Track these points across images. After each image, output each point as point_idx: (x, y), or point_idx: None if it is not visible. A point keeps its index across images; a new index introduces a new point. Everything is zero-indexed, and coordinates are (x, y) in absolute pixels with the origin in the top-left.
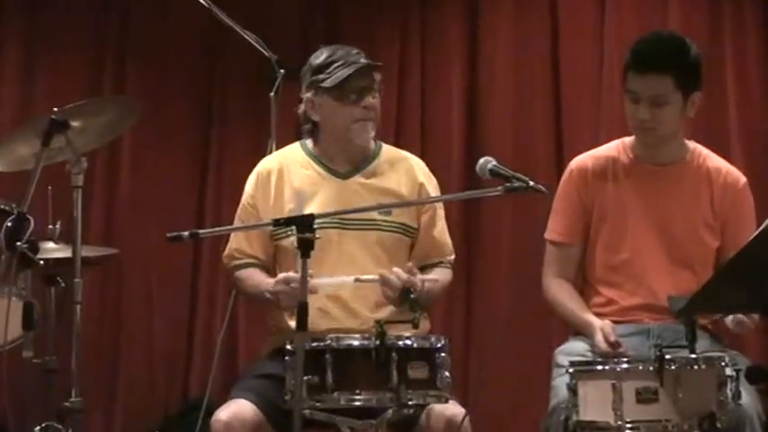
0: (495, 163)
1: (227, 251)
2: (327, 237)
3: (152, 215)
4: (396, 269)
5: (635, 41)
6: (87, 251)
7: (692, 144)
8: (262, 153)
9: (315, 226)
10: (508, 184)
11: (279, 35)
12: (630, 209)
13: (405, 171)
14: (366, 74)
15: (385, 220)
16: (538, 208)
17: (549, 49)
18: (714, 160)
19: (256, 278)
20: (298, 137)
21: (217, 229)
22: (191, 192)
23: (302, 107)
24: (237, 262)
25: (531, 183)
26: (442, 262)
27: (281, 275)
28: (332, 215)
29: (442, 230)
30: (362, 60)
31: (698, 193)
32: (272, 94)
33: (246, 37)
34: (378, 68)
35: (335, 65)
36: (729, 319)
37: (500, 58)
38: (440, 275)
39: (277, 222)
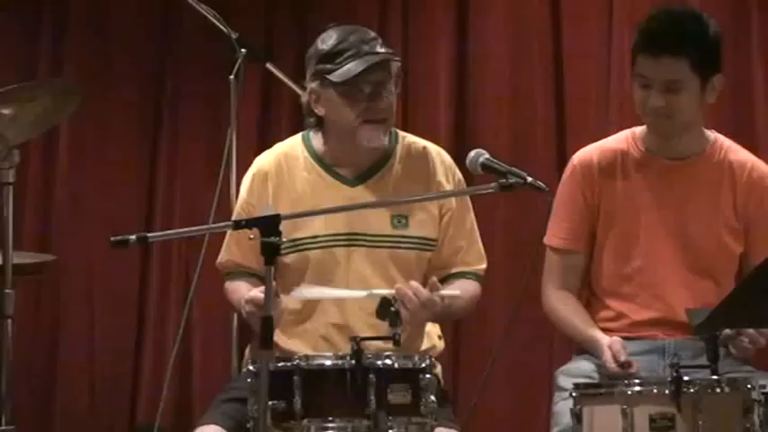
0: (487, 156)
1: (220, 259)
2: (333, 256)
3: (94, 216)
4: (413, 283)
5: (644, 19)
6: (19, 258)
7: (712, 134)
8: (220, 144)
9: (318, 244)
10: (503, 181)
11: (239, 9)
12: (642, 209)
13: (422, 171)
14: (381, 67)
15: (402, 236)
16: (536, 208)
17: (550, 26)
18: (738, 153)
19: (240, 291)
20: (261, 126)
21: (169, 232)
22: (139, 189)
23: (305, 98)
24: (229, 270)
25: (529, 179)
26: (466, 273)
27: (249, 294)
28: (298, 216)
29: (467, 233)
30: (379, 50)
31: (719, 190)
32: (231, 77)
33: (202, 11)
34: (396, 60)
35: (346, 54)
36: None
37: (493, 36)
38: (462, 289)
39: (238, 224)
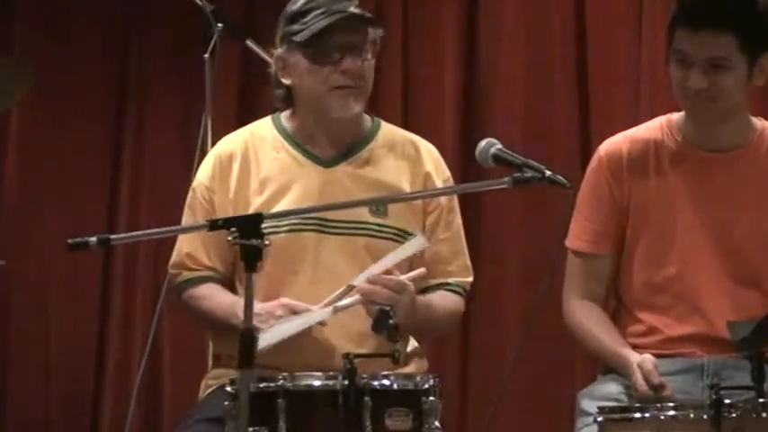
0: (500, 146)
1: (175, 258)
2: (301, 241)
3: (49, 215)
4: (370, 277)
5: None
6: None
7: (759, 123)
8: (193, 132)
9: (283, 227)
10: (517, 175)
11: None
12: (679, 208)
13: (408, 158)
14: (353, 27)
15: (378, 224)
16: (557, 206)
17: None
18: None
19: (212, 297)
20: (240, 111)
21: (133, 233)
22: (100, 185)
23: (273, 67)
24: (191, 275)
25: (548, 173)
26: (448, 284)
27: (283, 300)
28: (284, 215)
29: (453, 238)
30: (352, 10)
31: (767, 187)
32: (206, 55)
33: None
34: (371, 22)
35: (314, 13)
36: None
37: (507, 8)
38: (440, 301)
39: (214, 225)
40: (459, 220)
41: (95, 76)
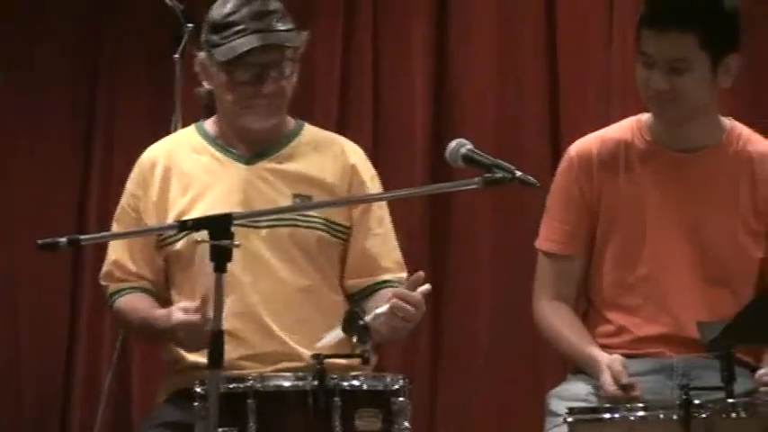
0: (470, 147)
1: (104, 268)
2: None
3: (17, 215)
4: (396, 291)
5: None
6: None
7: (729, 123)
8: (164, 132)
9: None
10: (488, 175)
11: None
12: (649, 209)
13: (332, 154)
14: (273, 47)
15: (302, 214)
16: (527, 207)
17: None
18: (758, 144)
19: (143, 310)
20: (211, 112)
21: (103, 234)
22: (69, 185)
23: (196, 65)
24: (117, 286)
25: (518, 173)
26: (389, 282)
27: (180, 306)
28: (253, 216)
29: (385, 236)
30: (275, 26)
31: (737, 186)
32: (176, 55)
33: None
34: (292, 40)
35: (235, 29)
36: (762, 373)
37: (478, 10)
38: None
39: (183, 225)
40: (388, 216)
41: (66, 77)
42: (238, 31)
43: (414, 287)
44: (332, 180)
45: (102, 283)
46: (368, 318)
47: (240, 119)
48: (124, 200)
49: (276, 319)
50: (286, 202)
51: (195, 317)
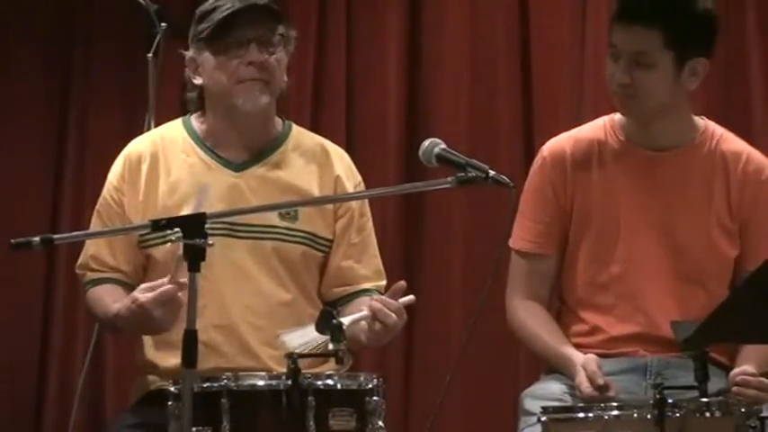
0: (443, 146)
1: (81, 259)
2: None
3: None
4: (377, 297)
5: None
6: None
7: (702, 122)
8: (137, 132)
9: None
10: (461, 175)
11: None
12: (622, 207)
13: (317, 162)
14: (257, 19)
15: (288, 228)
16: (501, 206)
17: None
18: (732, 142)
19: (107, 298)
20: (184, 112)
21: (77, 233)
22: (43, 185)
23: (186, 70)
24: (93, 276)
25: (492, 172)
26: (366, 291)
27: (142, 287)
28: (226, 215)
29: (364, 245)
30: (255, 4)
31: (710, 185)
32: (149, 55)
33: None
34: (276, 15)
35: (220, 9)
36: (736, 372)
37: (451, 10)
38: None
39: (156, 225)
40: (370, 225)
41: (39, 76)
42: (223, 9)
43: (395, 296)
44: (316, 191)
45: (78, 271)
46: (344, 320)
47: (232, 98)
48: (107, 192)
49: (255, 334)
50: (272, 213)
51: (168, 287)
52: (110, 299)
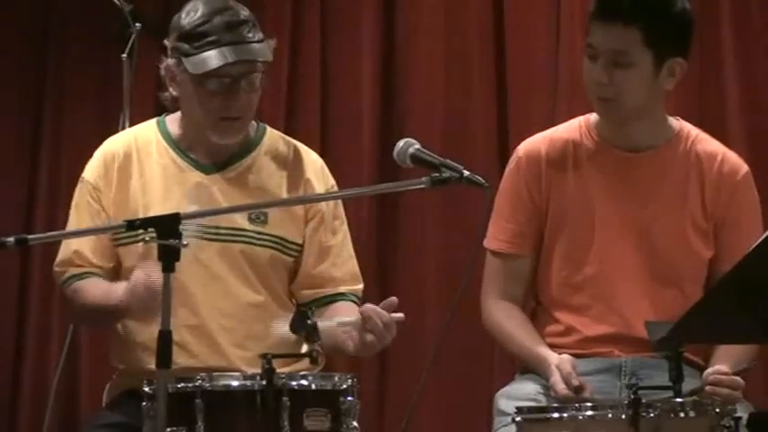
0: (418, 146)
1: (61, 256)
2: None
3: None
4: (371, 306)
5: None
6: None
7: (677, 123)
8: (112, 132)
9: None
10: (435, 175)
11: None
12: (597, 208)
13: (289, 166)
14: (246, 63)
15: (257, 232)
16: (475, 207)
17: None
18: (707, 143)
19: (103, 286)
20: (159, 112)
21: (51, 233)
22: (17, 185)
23: (162, 70)
24: (76, 270)
25: (466, 173)
26: (341, 295)
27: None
28: (200, 216)
29: (338, 245)
30: (246, 37)
31: (685, 186)
32: (124, 55)
33: None
34: (263, 52)
35: (206, 39)
36: (709, 372)
37: (425, 9)
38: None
39: (131, 225)
40: (345, 227)
41: (12, 76)
42: (210, 42)
43: (387, 311)
44: (285, 195)
45: (57, 269)
46: (328, 323)
47: (206, 131)
48: (85, 189)
49: (226, 335)
50: (242, 216)
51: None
52: (104, 286)
